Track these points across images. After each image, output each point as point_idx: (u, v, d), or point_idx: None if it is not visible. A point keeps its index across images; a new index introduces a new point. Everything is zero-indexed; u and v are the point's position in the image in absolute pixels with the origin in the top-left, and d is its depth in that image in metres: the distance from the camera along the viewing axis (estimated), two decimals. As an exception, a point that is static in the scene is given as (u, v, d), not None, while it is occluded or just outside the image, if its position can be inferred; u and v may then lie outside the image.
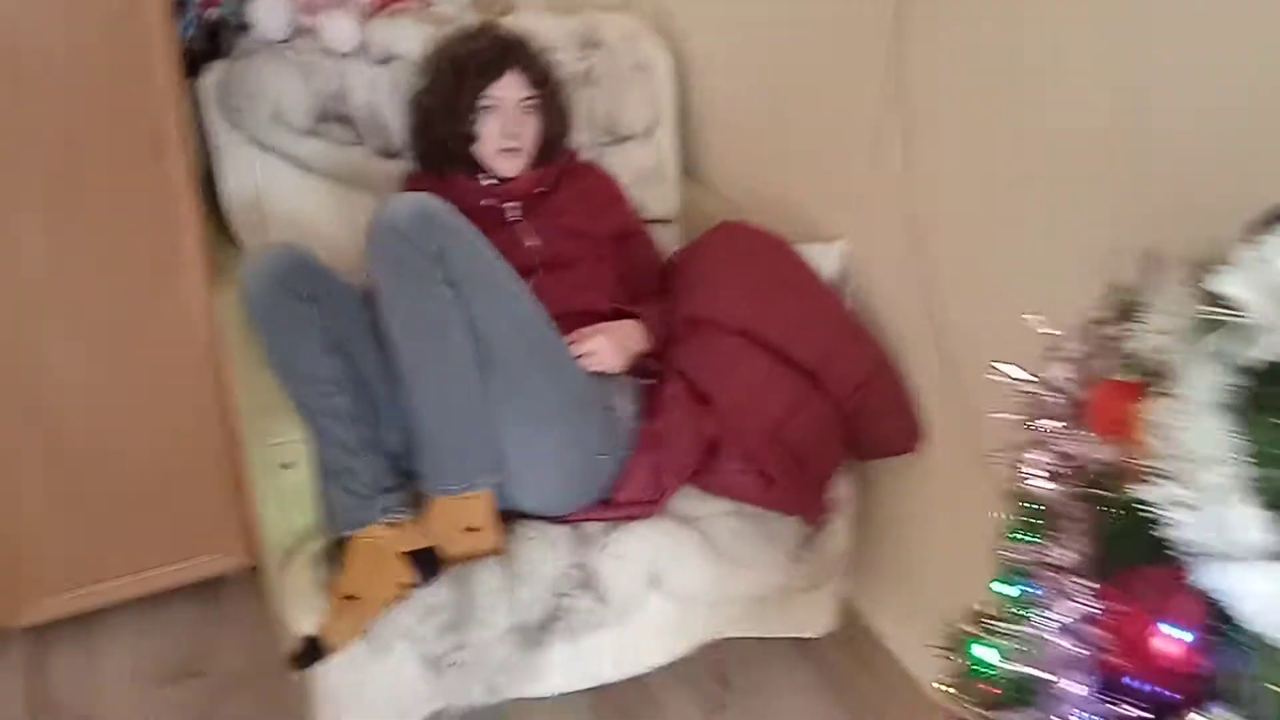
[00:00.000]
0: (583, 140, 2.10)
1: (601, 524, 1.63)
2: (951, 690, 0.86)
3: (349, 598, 1.46)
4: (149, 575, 1.94)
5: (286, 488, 1.56)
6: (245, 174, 1.89)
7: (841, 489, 1.78)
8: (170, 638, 1.97)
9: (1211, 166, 1.15)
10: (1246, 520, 0.67)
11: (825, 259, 1.84)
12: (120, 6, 1.51)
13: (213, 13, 2.01)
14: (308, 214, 1.92)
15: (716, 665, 1.91)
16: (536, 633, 1.53)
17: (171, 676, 1.90)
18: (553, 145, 1.97)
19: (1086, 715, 0.74)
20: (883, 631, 1.91)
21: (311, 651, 1.44)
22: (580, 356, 1.68)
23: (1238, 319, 0.68)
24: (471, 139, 1.87)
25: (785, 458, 1.68)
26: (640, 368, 1.78)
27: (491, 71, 1.86)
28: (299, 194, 1.92)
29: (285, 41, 1.93)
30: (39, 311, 1.66)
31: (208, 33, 2.00)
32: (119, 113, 1.59)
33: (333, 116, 1.94)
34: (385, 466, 1.56)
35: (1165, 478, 0.69)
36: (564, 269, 1.82)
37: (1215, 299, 0.69)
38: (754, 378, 1.71)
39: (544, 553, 1.56)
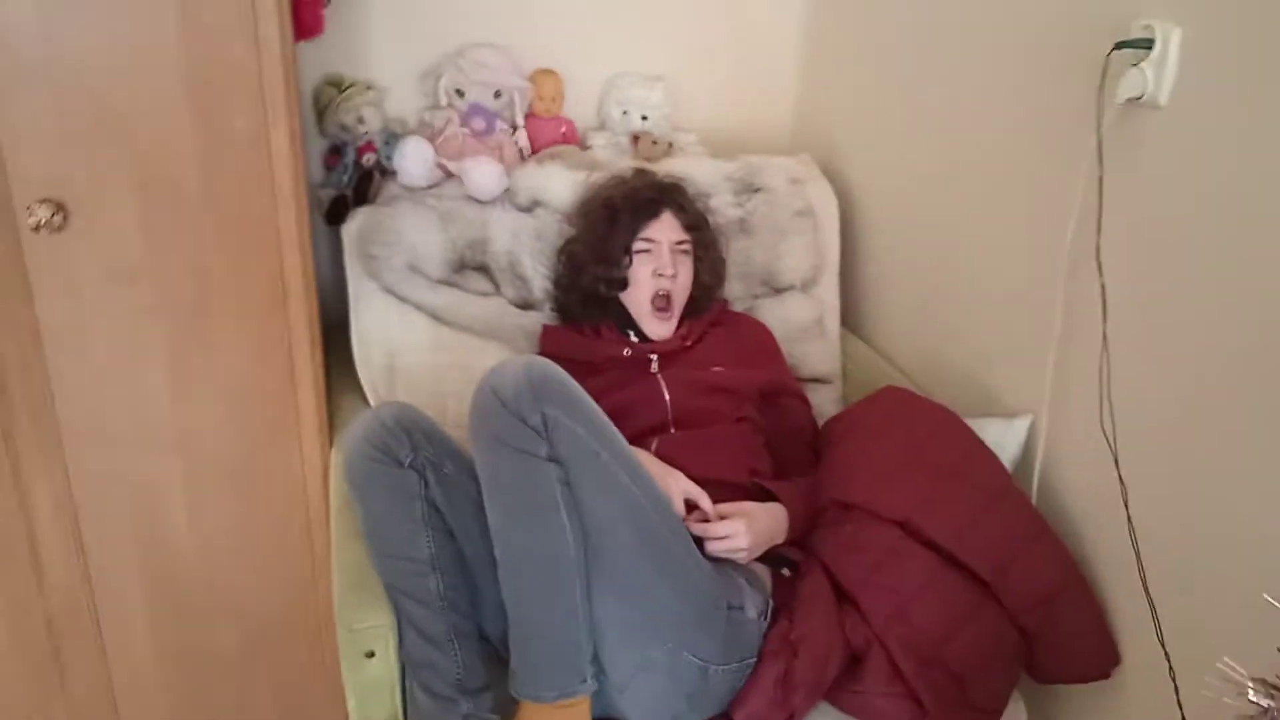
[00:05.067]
0: (736, 292, 1.93)
1: (718, 746, 1.40)
2: None
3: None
4: None
5: (369, 679, 1.41)
6: (378, 324, 1.81)
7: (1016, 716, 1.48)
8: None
9: None
10: None
11: (1007, 438, 1.58)
12: (251, 149, 1.48)
13: (369, 158, 1.99)
14: (439, 368, 1.81)
15: None
16: None
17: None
18: (707, 295, 1.82)
19: None
20: None
21: None
22: (711, 539, 1.48)
23: None
24: (624, 284, 1.74)
25: (944, 682, 1.40)
26: (776, 554, 1.55)
27: (646, 212, 1.75)
28: (431, 348, 1.82)
29: (429, 188, 1.88)
30: (160, 453, 1.61)
31: (361, 179, 1.98)
32: (245, 256, 1.54)
33: (470, 265, 1.86)
34: (476, 662, 1.40)
35: None
36: (698, 427, 1.64)
37: None
38: (913, 580, 1.44)
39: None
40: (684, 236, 1.75)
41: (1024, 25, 1.54)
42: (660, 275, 1.72)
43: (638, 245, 1.73)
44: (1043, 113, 1.51)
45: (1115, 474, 1.34)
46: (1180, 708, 1.25)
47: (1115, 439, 1.33)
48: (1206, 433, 1.24)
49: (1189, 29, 1.24)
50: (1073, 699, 1.54)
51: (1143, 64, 1.28)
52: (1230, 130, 1.20)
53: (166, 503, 1.64)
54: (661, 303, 1.74)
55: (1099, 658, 1.44)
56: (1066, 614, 1.44)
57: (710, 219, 1.87)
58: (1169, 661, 1.27)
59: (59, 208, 1.43)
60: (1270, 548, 1.15)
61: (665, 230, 1.74)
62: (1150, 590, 1.32)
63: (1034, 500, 1.53)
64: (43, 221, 1.41)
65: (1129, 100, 1.30)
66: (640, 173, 1.86)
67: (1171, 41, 1.26)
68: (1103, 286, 1.30)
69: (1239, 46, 1.18)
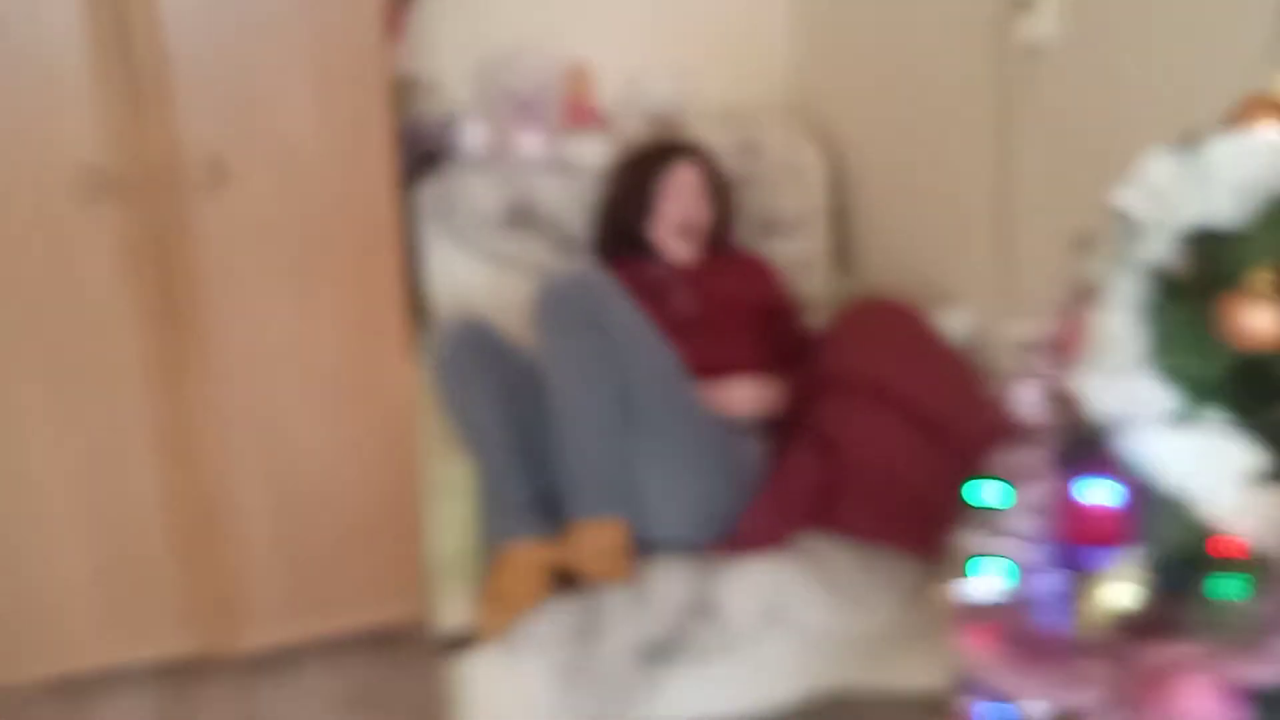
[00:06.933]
0: (739, 235, 2.35)
1: (726, 556, 1.77)
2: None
3: (496, 601, 1.68)
4: (345, 616, 2.19)
5: (454, 513, 1.82)
6: (449, 266, 2.25)
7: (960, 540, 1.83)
8: (358, 677, 2.19)
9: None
10: (1150, 389, 0.78)
11: (954, 324, 1.98)
12: (357, 128, 1.92)
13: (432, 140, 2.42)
14: (498, 298, 2.23)
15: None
16: (658, 654, 1.67)
17: (358, 712, 2.12)
18: (720, 232, 2.23)
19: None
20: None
21: (463, 641, 1.66)
22: (726, 397, 1.92)
23: (1133, 224, 0.81)
24: (650, 217, 2.16)
25: (904, 498, 1.77)
26: (770, 418, 1.97)
27: (671, 158, 2.18)
28: (491, 283, 2.26)
29: (485, 157, 2.31)
30: (283, 372, 2.01)
31: (423, 156, 2.40)
32: (353, 211, 1.97)
33: (522, 218, 2.28)
34: (536, 496, 1.80)
35: (1090, 361, 0.82)
36: (713, 331, 2.05)
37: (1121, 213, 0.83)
38: (879, 425, 1.81)
39: (670, 579, 1.73)
40: (701, 180, 2.18)
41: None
42: (682, 209, 2.14)
43: (663, 186, 2.15)
44: (969, 61, 1.92)
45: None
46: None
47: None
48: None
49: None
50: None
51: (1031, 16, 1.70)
52: (1109, 65, 1.59)
53: (288, 413, 2.04)
54: (684, 230, 2.15)
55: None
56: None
57: (723, 169, 2.29)
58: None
59: (219, 169, 1.86)
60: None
61: (686, 174, 2.16)
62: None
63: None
64: (205, 181, 1.85)
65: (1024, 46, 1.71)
66: (662, 136, 2.31)
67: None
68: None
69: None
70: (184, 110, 1.82)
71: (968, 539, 0.99)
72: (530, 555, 1.71)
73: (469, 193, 2.23)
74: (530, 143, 2.29)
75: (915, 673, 1.73)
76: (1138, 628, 0.84)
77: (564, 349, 1.77)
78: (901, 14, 2.17)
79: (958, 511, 1.84)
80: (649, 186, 2.16)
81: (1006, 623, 0.90)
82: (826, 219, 2.42)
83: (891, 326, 1.97)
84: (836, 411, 1.87)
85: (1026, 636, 0.88)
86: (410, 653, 2.19)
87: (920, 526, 1.76)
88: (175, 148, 1.83)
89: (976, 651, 0.90)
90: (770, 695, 1.72)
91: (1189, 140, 0.86)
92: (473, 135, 2.30)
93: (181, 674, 2.18)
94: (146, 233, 1.87)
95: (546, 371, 1.79)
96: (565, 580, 1.70)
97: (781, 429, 1.95)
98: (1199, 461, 0.81)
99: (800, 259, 2.35)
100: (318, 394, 2.04)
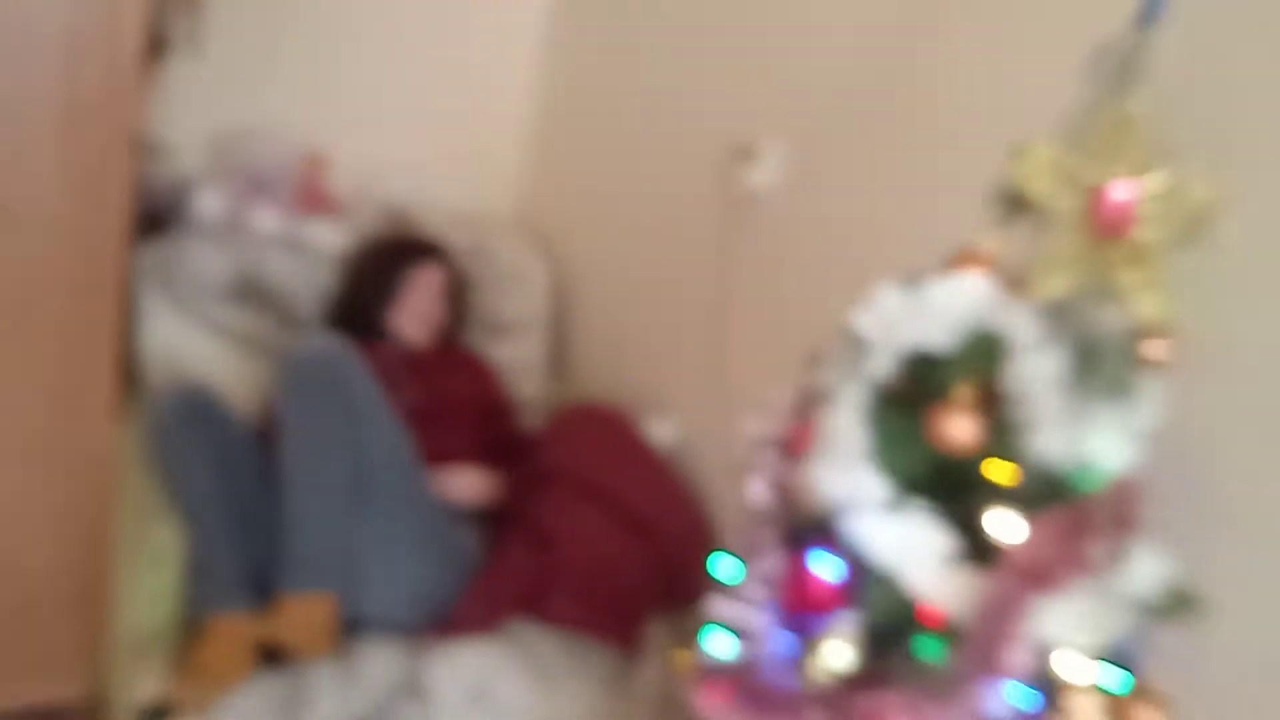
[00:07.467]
0: (465, 334, 2.42)
1: (436, 638, 1.79)
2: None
3: (199, 672, 1.60)
4: (10, 692, 1.96)
5: (155, 583, 1.72)
6: (165, 331, 2.15)
7: (657, 632, 1.97)
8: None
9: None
10: (868, 481, 0.95)
11: (661, 432, 2.14)
12: (93, 181, 1.79)
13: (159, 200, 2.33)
14: (215, 368, 2.14)
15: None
16: (363, 732, 1.66)
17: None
18: (453, 330, 2.29)
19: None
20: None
21: (159, 714, 1.56)
22: (449, 484, 1.97)
23: (862, 343, 0.99)
24: (391, 307, 2.19)
25: (609, 592, 1.88)
26: (488, 511, 2.02)
27: (420, 257, 2.23)
28: (208, 352, 2.18)
29: (218, 227, 2.25)
30: None
31: (152, 217, 2.31)
32: (74, 262, 1.81)
33: (249, 291, 2.23)
34: (248, 568, 1.74)
35: (820, 456, 0.97)
36: (437, 422, 2.08)
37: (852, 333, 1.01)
38: (589, 522, 1.94)
39: (379, 657, 1.73)
40: (443, 278, 2.24)
41: (685, 140, 2.20)
42: (424, 307, 2.19)
43: (410, 281, 2.20)
44: (695, 200, 2.15)
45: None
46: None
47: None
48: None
49: (787, 144, 1.91)
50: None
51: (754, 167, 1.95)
52: (814, 209, 1.86)
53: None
54: (424, 322, 2.20)
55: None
56: (696, 549, 1.97)
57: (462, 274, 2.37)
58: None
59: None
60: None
61: (433, 274, 2.22)
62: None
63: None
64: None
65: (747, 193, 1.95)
66: (408, 230, 2.36)
67: (773, 153, 1.93)
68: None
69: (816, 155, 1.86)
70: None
71: (707, 605, 1.11)
72: (236, 627, 1.64)
73: (194, 259, 2.17)
74: (265, 219, 2.27)
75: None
76: (855, 682, 0.98)
77: (304, 416, 1.77)
78: (631, 149, 2.39)
79: (656, 606, 1.99)
80: (395, 278, 2.19)
81: (740, 680, 1.02)
82: (546, 327, 2.55)
83: (602, 430, 2.12)
84: (550, 507, 1.97)
85: (758, 691, 1.00)
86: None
87: (621, 619, 1.89)
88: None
89: (713, 706, 1.01)
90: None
91: (912, 279, 1.06)
92: (206, 203, 2.25)
93: None
94: None
95: (283, 437, 1.77)
96: (272, 654, 1.65)
97: (497, 521, 2.02)
98: (905, 543, 0.99)
99: (519, 362, 2.46)
100: (4, 450, 1.86)
